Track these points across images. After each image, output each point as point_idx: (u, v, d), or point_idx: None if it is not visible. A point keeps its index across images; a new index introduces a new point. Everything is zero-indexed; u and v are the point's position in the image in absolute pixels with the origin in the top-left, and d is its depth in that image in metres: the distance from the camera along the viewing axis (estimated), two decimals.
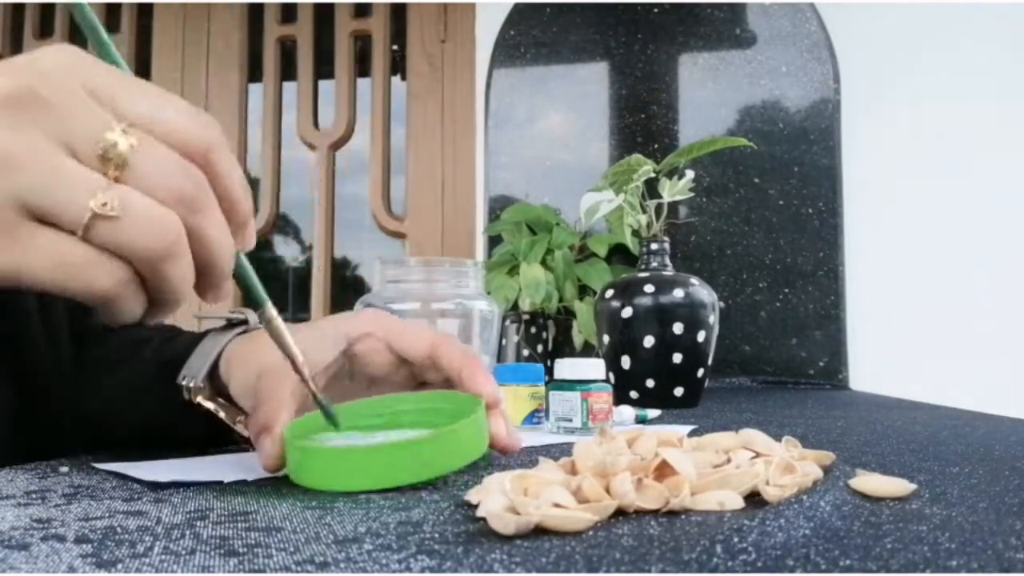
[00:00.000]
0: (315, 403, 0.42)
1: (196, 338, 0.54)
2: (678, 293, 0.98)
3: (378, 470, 0.37)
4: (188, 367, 0.49)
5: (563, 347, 1.53)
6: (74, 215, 0.28)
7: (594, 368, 0.66)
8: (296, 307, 2.11)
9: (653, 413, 0.84)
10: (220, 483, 0.40)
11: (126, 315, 0.31)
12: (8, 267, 0.27)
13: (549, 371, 0.71)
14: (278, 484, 0.40)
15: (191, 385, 0.47)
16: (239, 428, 0.48)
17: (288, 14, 2.05)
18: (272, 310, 0.38)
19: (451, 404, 0.46)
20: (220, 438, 0.53)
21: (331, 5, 2.02)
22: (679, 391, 0.98)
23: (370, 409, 0.47)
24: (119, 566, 0.24)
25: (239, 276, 0.36)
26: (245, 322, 0.52)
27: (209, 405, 0.48)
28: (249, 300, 0.38)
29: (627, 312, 0.99)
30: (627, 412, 0.78)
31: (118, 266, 0.29)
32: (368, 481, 0.37)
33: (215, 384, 0.49)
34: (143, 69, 2.09)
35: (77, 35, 2.14)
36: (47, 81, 0.28)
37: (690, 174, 1.06)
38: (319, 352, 0.46)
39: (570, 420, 0.65)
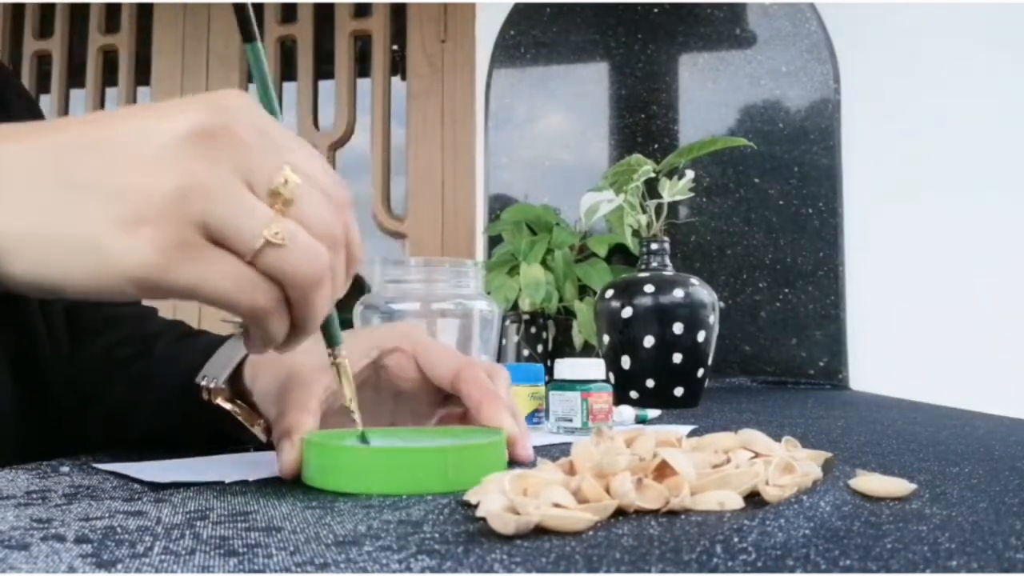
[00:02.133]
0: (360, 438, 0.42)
1: (214, 340, 0.55)
2: (678, 293, 0.98)
3: (397, 473, 0.37)
4: (209, 367, 0.50)
5: (563, 347, 1.53)
6: (248, 241, 0.31)
7: (594, 368, 0.66)
8: None
9: (653, 413, 0.84)
10: (221, 483, 0.40)
11: (272, 338, 0.34)
12: (188, 282, 0.31)
13: (549, 371, 0.71)
14: (278, 484, 0.40)
15: (211, 386, 0.48)
16: (256, 431, 0.48)
17: (288, 14, 2.05)
18: (344, 352, 0.39)
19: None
20: (225, 440, 0.54)
21: (331, 5, 2.02)
22: (679, 391, 0.98)
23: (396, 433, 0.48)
24: (119, 566, 0.24)
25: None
26: None
27: (227, 406, 0.48)
28: (326, 336, 0.39)
29: (627, 312, 0.99)
30: (627, 412, 0.78)
31: (276, 289, 0.33)
32: (384, 483, 0.37)
33: (236, 387, 0.49)
34: (143, 69, 2.10)
35: (76, 36, 2.14)
36: (237, 119, 0.32)
37: (690, 174, 1.06)
38: (350, 360, 0.46)
39: (570, 420, 0.65)
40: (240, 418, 0.48)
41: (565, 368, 0.67)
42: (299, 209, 0.32)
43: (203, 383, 0.48)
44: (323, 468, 0.38)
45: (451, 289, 0.72)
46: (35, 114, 0.69)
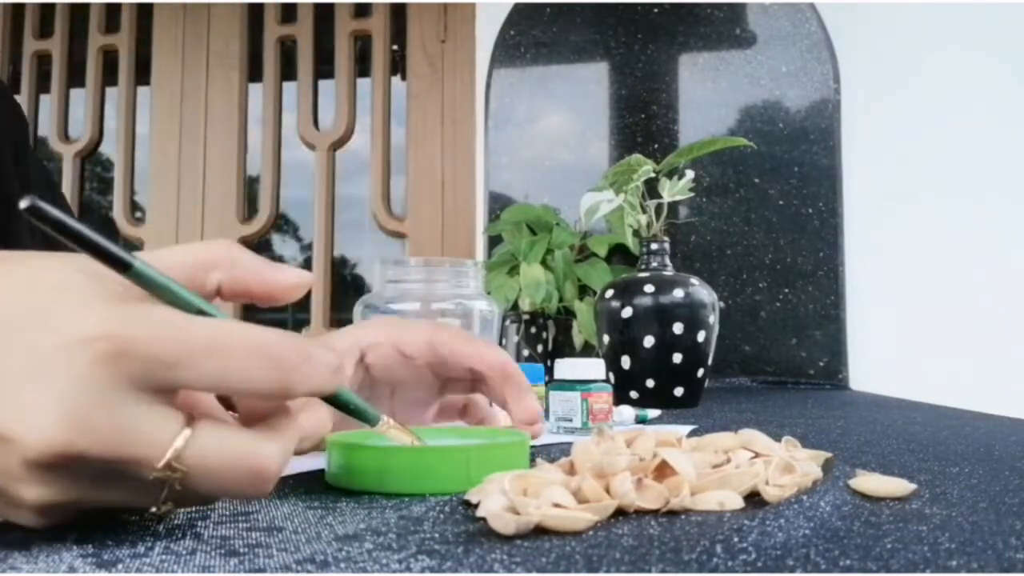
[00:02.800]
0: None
1: None
2: (678, 293, 0.98)
3: (419, 472, 0.37)
4: None
5: (563, 347, 1.53)
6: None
7: (594, 368, 0.66)
8: (296, 307, 2.11)
9: (653, 413, 0.84)
10: None
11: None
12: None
13: (549, 371, 0.71)
14: (280, 485, 0.40)
15: None
16: None
17: (288, 14, 2.05)
18: (386, 420, 0.38)
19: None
20: None
21: (331, 5, 2.02)
22: (679, 391, 0.98)
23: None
24: (119, 566, 0.24)
25: (343, 403, 0.36)
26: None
27: None
28: (363, 420, 0.37)
29: (627, 312, 0.99)
30: (627, 412, 0.78)
31: None
32: (406, 483, 0.37)
33: None
34: (143, 69, 2.10)
35: (76, 36, 2.14)
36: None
37: (690, 174, 1.06)
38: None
39: (570, 420, 0.65)
40: None
41: (565, 368, 0.67)
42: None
43: None
44: (346, 468, 0.39)
45: (451, 289, 0.72)
46: (45, 172, 0.74)
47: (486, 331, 0.73)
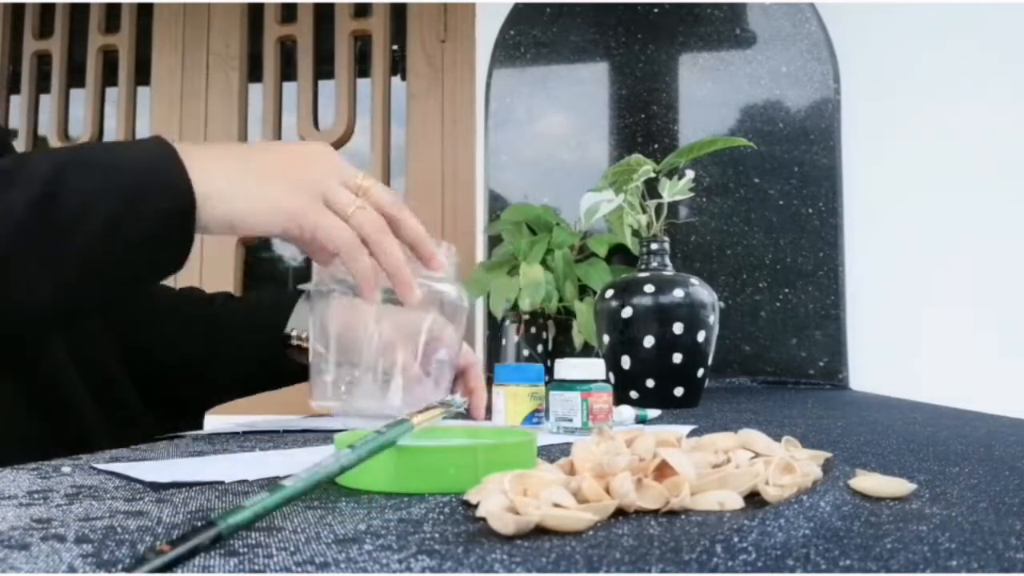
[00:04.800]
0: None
1: (267, 297, 0.79)
2: (678, 293, 0.98)
3: (427, 472, 0.37)
4: (295, 322, 0.72)
5: (563, 347, 1.53)
6: (344, 208, 0.55)
7: (594, 368, 0.66)
8: None
9: (653, 413, 0.84)
10: (221, 483, 0.40)
11: (364, 271, 0.56)
12: (316, 223, 0.54)
13: (549, 371, 0.70)
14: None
15: (301, 336, 0.72)
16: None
17: (288, 14, 2.05)
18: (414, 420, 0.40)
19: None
20: (293, 378, 0.75)
21: (331, 5, 2.02)
22: (679, 391, 0.98)
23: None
24: (119, 566, 0.24)
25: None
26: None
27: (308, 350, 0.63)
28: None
29: (627, 312, 0.99)
30: (627, 412, 0.78)
31: (359, 238, 0.55)
32: (414, 482, 0.37)
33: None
34: (143, 69, 2.10)
35: (76, 36, 2.14)
36: (331, 154, 0.58)
37: (690, 174, 1.06)
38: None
39: (570, 420, 0.65)
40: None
41: (565, 368, 0.67)
42: (369, 196, 0.57)
43: (293, 334, 0.72)
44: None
45: (416, 269, 0.60)
46: None
47: (451, 322, 0.64)
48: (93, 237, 0.48)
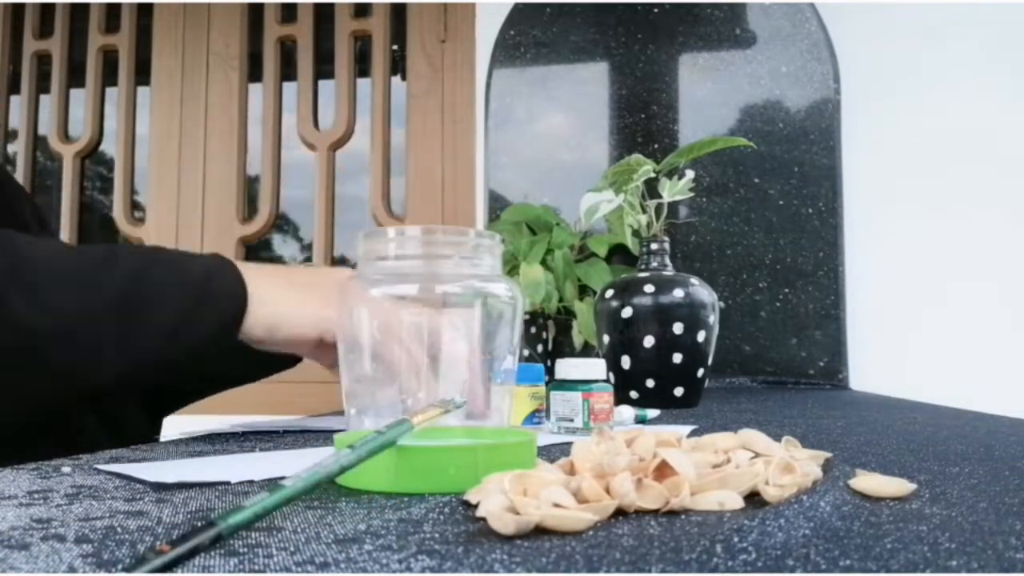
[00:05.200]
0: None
1: None
2: (678, 293, 0.98)
3: (427, 472, 0.37)
4: None
5: (563, 347, 1.53)
6: None
7: (595, 368, 0.66)
8: None
9: (652, 413, 0.84)
10: (221, 483, 0.40)
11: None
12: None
13: (549, 371, 0.70)
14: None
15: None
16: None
17: (288, 14, 2.05)
18: (414, 420, 0.40)
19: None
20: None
21: (331, 5, 2.02)
22: (679, 391, 0.98)
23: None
24: (119, 566, 0.24)
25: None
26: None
27: None
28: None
29: (627, 312, 0.99)
30: (627, 412, 0.78)
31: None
32: (414, 482, 0.37)
33: None
34: (143, 69, 2.10)
35: (76, 36, 2.14)
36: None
37: (690, 174, 1.06)
38: None
39: (571, 420, 0.65)
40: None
41: (566, 368, 0.66)
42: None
43: None
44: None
45: (460, 267, 0.53)
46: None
47: (505, 325, 0.54)
48: (164, 325, 0.55)
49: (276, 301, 0.59)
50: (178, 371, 0.69)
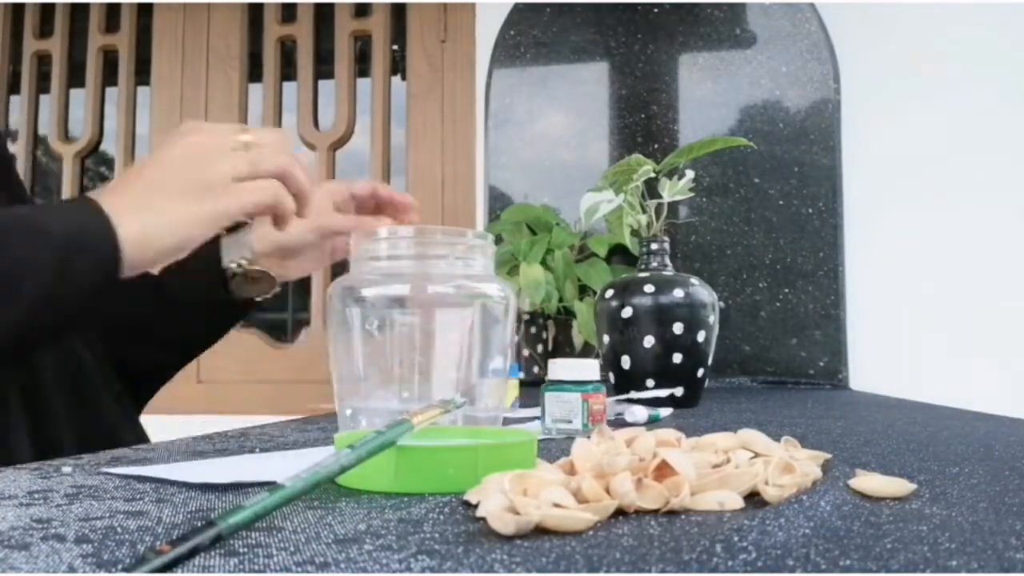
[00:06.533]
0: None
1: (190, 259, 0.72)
2: (678, 293, 0.98)
3: (427, 472, 0.37)
4: (231, 258, 0.73)
5: (563, 347, 1.53)
6: (242, 169, 0.57)
7: (592, 369, 0.65)
8: (296, 307, 2.11)
9: (665, 412, 0.84)
10: (221, 484, 0.40)
11: (286, 209, 0.59)
12: (238, 205, 0.57)
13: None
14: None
15: (243, 264, 0.73)
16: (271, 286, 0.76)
17: (288, 14, 2.05)
18: (414, 420, 0.39)
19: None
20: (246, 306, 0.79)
21: (331, 5, 2.02)
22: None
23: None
24: (119, 566, 0.24)
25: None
26: (247, 223, 0.71)
27: (255, 269, 0.73)
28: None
29: (627, 312, 0.99)
30: (640, 412, 0.77)
31: (274, 184, 0.58)
32: (414, 483, 0.37)
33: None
34: (143, 69, 2.10)
35: (76, 36, 2.14)
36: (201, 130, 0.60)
37: (690, 174, 1.06)
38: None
39: (570, 422, 0.64)
40: (263, 279, 0.74)
41: (562, 369, 0.65)
42: (258, 149, 0.58)
43: (232, 265, 0.73)
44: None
45: (452, 267, 0.54)
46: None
47: (499, 326, 0.55)
48: (34, 296, 0.53)
49: (148, 225, 0.55)
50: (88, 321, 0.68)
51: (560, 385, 0.65)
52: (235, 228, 0.72)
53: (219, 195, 0.56)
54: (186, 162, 0.57)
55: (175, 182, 0.56)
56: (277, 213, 0.58)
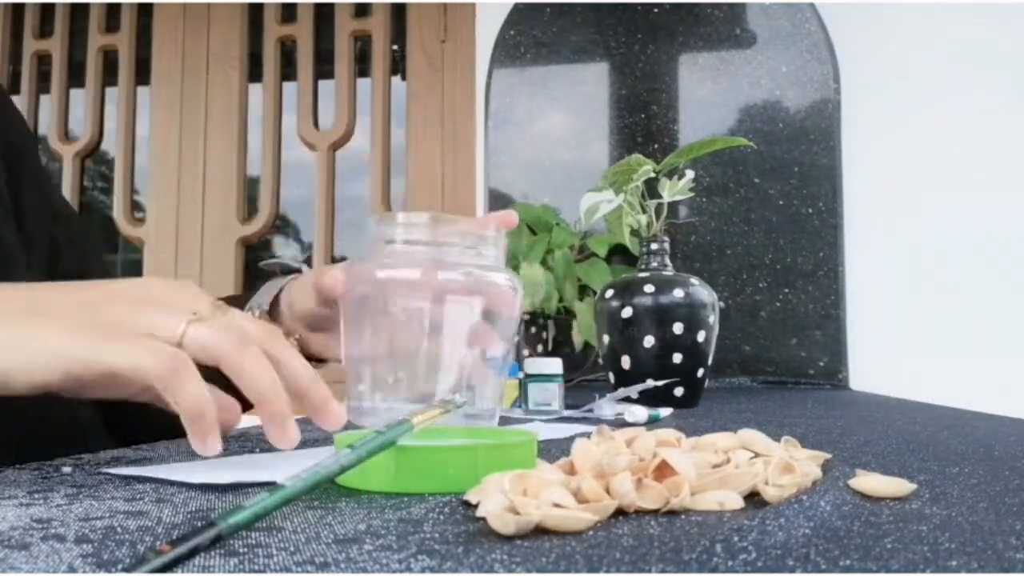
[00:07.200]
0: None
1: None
2: (678, 293, 0.98)
3: (427, 472, 0.37)
4: (254, 301, 0.67)
5: (563, 347, 1.53)
6: (170, 330, 0.43)
7: (559, 365, 0.91)
8: None
9: (665, 412, 0.84)
10: (220, 484, 0.40)
11: (195, 405, 0.42)
12: (110, 358, 0.41)
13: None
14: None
15: (258, 311, 0.66)
16: (292, 343, 0.59)
17: (288, 14, 2.05)
18: (415, 420, 0.39)
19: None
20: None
21: (331, 5, 2.02)
22: (679, 391, 0.98)
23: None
24: (119, 566, 0.24)
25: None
26: (299, 271, 0.69)
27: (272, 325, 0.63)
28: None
29: (627, 312, 0.99)
30: (640, 412, 0.77)
31: (181, 357, 0.42)
32: (414, 483, 0.37)
33: (272, 315, 0.68)
34: (143, 69, 2.10)
35: (77, 36, 2.14)
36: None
37: (690, 174, 1.06)
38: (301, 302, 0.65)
39: (549, 404, 0.87)
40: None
41: (540, 365, 0.90)
42: (220, 321, 0.44)
43: (254, 308, 0.67)
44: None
45: (464, 255, 0.55)
46: (45, 186, 0.75)
47: (503, 313, 0.56)
48: None
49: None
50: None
51: (540, 377, 0.89)
52: (286, 272, 0.68)
53: (104, 338, 0.41)
54: (100, 296, 0.45)
55: (58, 306, 0.44)
56: (180, 402, 0.40)
